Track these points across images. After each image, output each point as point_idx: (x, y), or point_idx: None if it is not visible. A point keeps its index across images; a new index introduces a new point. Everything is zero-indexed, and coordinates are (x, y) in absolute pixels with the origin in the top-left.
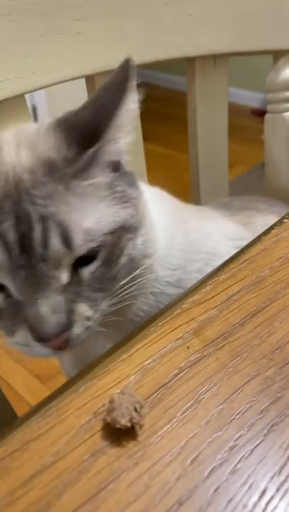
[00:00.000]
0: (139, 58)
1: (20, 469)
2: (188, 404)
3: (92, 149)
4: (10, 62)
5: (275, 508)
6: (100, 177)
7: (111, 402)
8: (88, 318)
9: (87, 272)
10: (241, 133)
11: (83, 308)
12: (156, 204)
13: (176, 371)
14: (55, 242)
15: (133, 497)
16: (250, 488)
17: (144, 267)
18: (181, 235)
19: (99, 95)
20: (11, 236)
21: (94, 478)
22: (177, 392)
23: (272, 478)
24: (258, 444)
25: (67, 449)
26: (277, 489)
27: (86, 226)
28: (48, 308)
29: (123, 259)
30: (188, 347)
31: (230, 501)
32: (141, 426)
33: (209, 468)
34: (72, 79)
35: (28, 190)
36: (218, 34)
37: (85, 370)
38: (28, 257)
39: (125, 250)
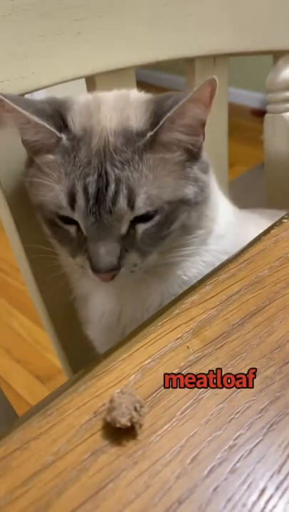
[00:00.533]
0: (139, 58)
1: (21, 468)
2: (187, 404)
3: (154, 130)
4: (10, 63)
5: (275, 506)
6: (170, 155)
7: (111, 401)
8: (135, 265)
9: (142, 228)
10: (241, 133)
11: (133, 257)
12: (221, 194)
13: (176, 371)
14: (122, 202)
15: (133, 496)
16: (249, 487)
17: (195, 235)
18: (236, 228)
19: (184, 93)
20: (92, 188)
21: (94, 477)
22: (177, 392)
23: (271, 477)
24: (257, 443)
25: (67, 448)
26: (277, 488)
27: (150, 193)
28: (105, 249)
29: (175, 226)
30: (187, 347)
31: (229, 500)
32: (141, 425)
33: (209, 468)
34: (73, 79)
35: (111, 152)
36: (218, 34)
37: (84, 370)
38: (99, 207)
39: (178, 218)
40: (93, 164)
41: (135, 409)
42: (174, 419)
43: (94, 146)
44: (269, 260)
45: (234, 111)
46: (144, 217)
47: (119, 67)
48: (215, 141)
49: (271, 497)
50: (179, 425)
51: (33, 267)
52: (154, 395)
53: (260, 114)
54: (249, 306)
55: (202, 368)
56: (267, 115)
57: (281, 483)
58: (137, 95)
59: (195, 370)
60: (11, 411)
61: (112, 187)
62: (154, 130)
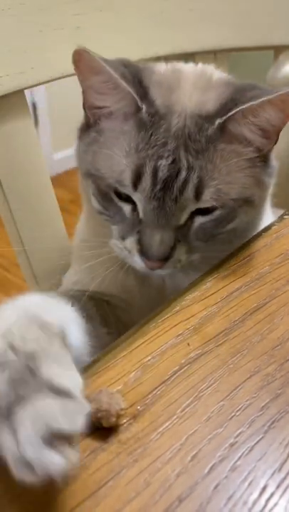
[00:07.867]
0: (138, 54)
1: None
2: (188, 401)
3: (223, 118)
4: (9, 58)
5: (275, 504)
6: (243, 148)
7: (92, 403)
8: (179, 261)
9: (199, 221)
10: None
11: (182, 250)
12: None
13: (177, 368)
14: (190, 191)
15: (133, 494)
16: (250, 485)
17: (237, 242)
18: None
19: (268, 91)
20: (163, 173)
21: (94, 475)
22: (177, 389)
23: (272, 475)
24: (258, 441)
25: None
26: (278, 486)
27: (219, 187)
28: (161, 238)
29: (231, 225)
30: (188, 344)
31: (230, 498)
32: (121, 417)
33: (209, 465)
34: (72, 74)
35: (186, 138)
36: (219, 29)
37: (85, 368)
38: (165, 193)
39: (237, 218)
40: (170, 147)
41: (115, 406)
42: (175, 417)
43: (173, 126)
44: (270, 257)
45: None
46: (205, 210)
47: None
48: None
49: (272, 495)
50: (180, 423)
51: (32, 263)
52: (155, 392)
53: None
54: (250, 303)
55: (203, 364)
56: None
57: (282, 481)
58: (218, 75)
59: (195, 367)
60: None
61: (183, 174)
62: (224, 118)
